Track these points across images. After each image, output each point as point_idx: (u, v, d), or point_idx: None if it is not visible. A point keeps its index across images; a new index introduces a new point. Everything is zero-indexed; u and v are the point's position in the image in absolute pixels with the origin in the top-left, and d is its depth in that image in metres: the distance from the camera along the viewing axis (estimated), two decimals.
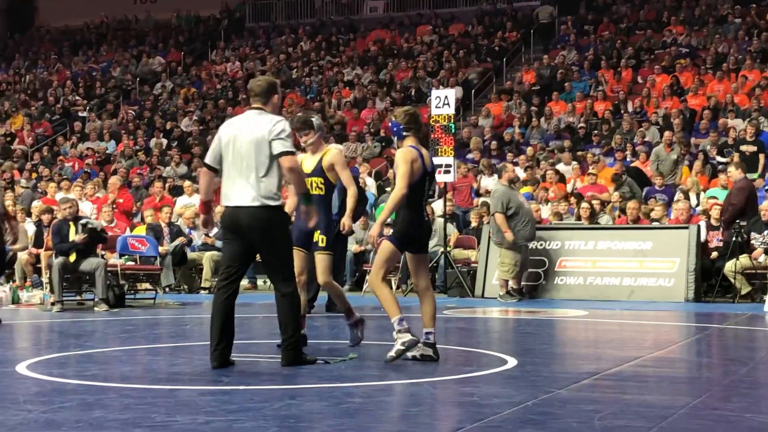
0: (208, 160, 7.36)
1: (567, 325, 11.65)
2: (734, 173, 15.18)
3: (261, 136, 7.14)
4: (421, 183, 7.46)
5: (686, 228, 14.64)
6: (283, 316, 7.28)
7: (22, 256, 15.57)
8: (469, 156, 20.72)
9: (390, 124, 7.81)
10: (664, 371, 7.52)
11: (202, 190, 7.59)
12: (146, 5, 36.09)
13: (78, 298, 14.13)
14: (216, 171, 7.32)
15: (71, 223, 13.28)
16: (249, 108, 7.43)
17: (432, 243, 16.11)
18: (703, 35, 25.22)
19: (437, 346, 7.70)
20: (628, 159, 19.26)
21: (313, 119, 8.49)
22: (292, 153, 7.15)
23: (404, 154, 7.47)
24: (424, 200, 7.55)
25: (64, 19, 35.97)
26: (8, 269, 15.48)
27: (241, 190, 7.16)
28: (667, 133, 19.04)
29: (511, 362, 7.55)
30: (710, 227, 14.95)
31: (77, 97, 29.58)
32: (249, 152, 7.14)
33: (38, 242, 15.24)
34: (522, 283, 14.77)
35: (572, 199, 16.86)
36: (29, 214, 17.38)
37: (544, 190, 17.53)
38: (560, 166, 19.10)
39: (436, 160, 15.55)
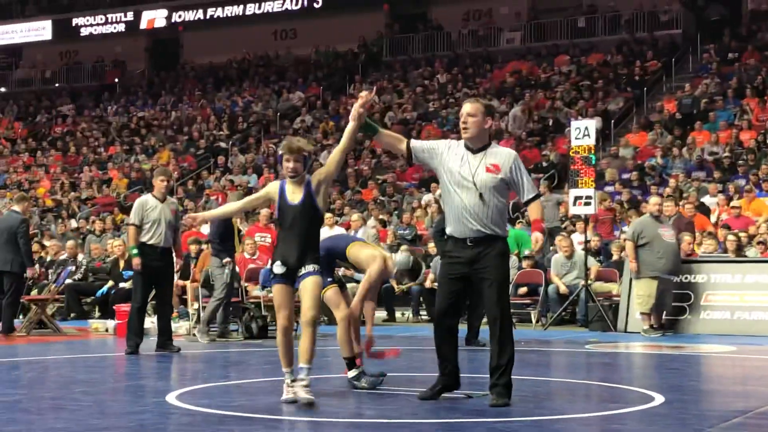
0: None
1: (714, 361, 11.33)
2: None
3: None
4: None
5: None
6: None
7: None
8: (609, 188, 20.43)
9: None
10: None
11: None
12: (286, 41, 36.93)
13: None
14: None
15: None
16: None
17: (572, 276, 15.96)
18: None
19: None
20: None
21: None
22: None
23: None
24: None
25: (207, 56, 37.14)
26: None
27: None
28: None
29: (658, 399, 7.38)
30: None
31: (220, 132, 30.40)
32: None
33: (185, 274, 15.65)
34: (664, 317, 14.43)
35: (719, 232, 16.43)
36: None
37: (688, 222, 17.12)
38: (705, 198, 18.65)
39: (576, 192, 15.43)
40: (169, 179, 11.99)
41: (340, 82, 33.10)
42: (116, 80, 38.73)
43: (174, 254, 11.88)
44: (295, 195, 7.48)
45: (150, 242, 11.43)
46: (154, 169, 28.41)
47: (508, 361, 7.16)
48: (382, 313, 16.85)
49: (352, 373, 8.10)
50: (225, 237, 13.32)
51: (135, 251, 11.40)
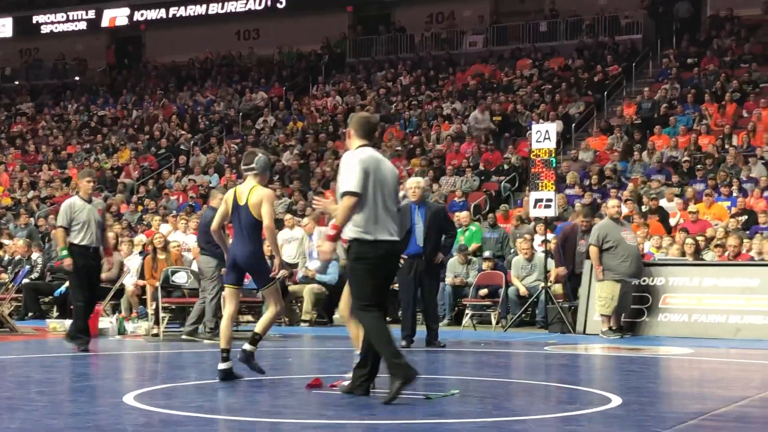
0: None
1: (672, 364, 11.44)
2: None
3: (395, 177, 7.59)
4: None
5: None
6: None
7: (128, 287, 15.95)
8: (569, 191, 20.56)
9: None
10: None
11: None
12: (249, 41, 36.84)
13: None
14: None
15: None
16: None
17: (532, 278, 16.06)
18: None
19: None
20: (733, 195, 18.91)
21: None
22: None
23: None
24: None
25: (169, 55, 36.97)
26: (115, 301, 15.88)
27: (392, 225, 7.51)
28: None
29: (616, 401, 7.44)
30: None
31: (182, 132, 30.26)
32: (393, 192, 7.52)
33: (144, 274, 15.58)
34: (623, 319, 14.55)
35: (677, 236, 16.59)
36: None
37: (645, 225, 17.29)
38: (663, 202, 18.84)
39: (537, 195, 15.53)
40: (95, 180, 12.31)
41: (304, 83, 33.07)
42: (77, 78, 38.43)
43: (103, 253, 12.09)
44: None
45: (82, 243, 11.63)
46: (114, 168, 28.33)
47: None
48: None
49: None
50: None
51: (65, 252, 11.60)
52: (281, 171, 25.78)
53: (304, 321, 16.64)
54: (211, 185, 25.50)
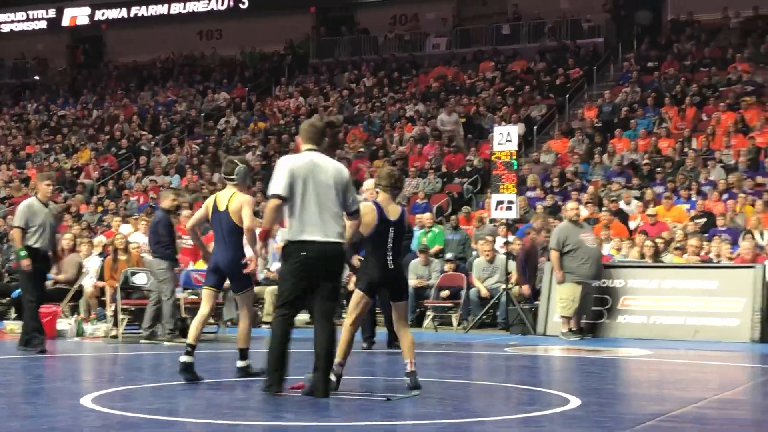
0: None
1: (630, 365, 11.52)
2: None
3: (340, 183, 7.67)
4: (382, 233, 8.01)
5: (752, 267, 14.43)
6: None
7: (87, 289, 15.80)
8: (531, 194, 20.66)
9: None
10: (728, 413, 7.41)
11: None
12: (212, 42, 36.68)
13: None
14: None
15: None
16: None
17: (493, 280, 16.11)
18: None
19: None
20: (692, 198, 19.07)
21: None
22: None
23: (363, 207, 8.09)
24: (387, 249, 8.04)
25: (131, 55, 36.73)
26: (74, 302, 15.74)
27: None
28: None
29: (574, 402, 7.48)
30: None
31: (143, 132, 30.07)
32: (331, 194, 7.63)
33: (103, 275, 15.45)
34: (583, 321, 14.63)
35: (637, 238, 16.71)
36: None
37: (605, 227, 17.40)
38: (623, 204, 18.96)
39: (498, 197, 15.58)
40: (54, 184, 12.34)
41: (266, 84, 32.97)
42: (37, 78, 38.08)
43: (53, 257, 12.01)
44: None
45: (36, 245, 11.57)
46: (74, 168, 28.08)
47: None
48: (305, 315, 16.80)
49: (241, 363, 8.99)
50: (171, 239, 13.26)
51: (24, 253, 11.52)
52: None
53: (265, 323, 16.56)
54: (171, 186, 25.37)
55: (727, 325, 14.16)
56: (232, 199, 8.84)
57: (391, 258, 8.04)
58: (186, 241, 16.70)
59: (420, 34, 33.42)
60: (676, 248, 16.05)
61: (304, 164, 7.63)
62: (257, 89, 32.56)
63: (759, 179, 19.62)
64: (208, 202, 9.10)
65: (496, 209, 15.75)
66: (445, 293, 16.12)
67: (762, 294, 14.06)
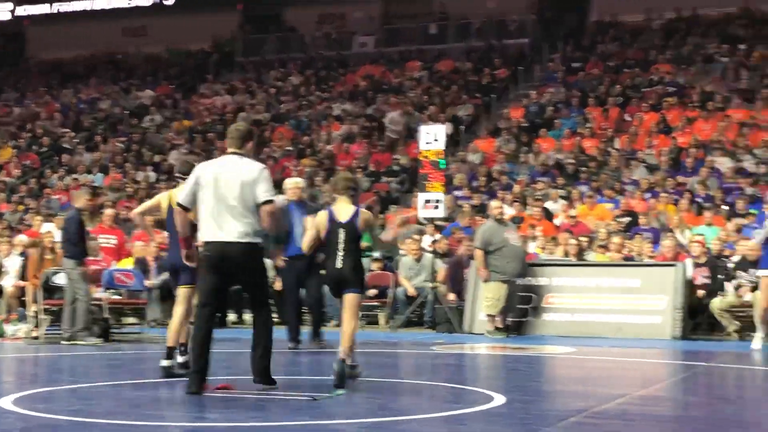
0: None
1: (554, 362, 11.64)
2: None
3: (247, 180, 7.77)
4: (333, 234, 8.57)
5: (673, 265, 14.67)
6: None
7: (7, 289, 15.50)
8: (458, 193, 20.76)
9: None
10: (650, 409, 7.51)
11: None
12: (136, 39, 36.21)
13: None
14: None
15: None
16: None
17: (420, 278, 16.15)
18: (690, 74, 25.38)
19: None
20: (616, 197, 19.34)
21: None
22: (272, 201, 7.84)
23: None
24: (338, 249, 8.55)
25: (53, 52, 36.09)
26: None
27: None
28: None
29: (499, 399, 7.52)
30: (696, 265, 14.98)
31: (65, 130, 29.59)
32: (235, 193, 7.75)
33: (25, 275, 15.16)
34: (509, 319, 14.75)
35: (561, 236, 16.88)
36: None
37: (531, 226, 17.56)
38: (548, 203, 19.15)
39: (426, 196, 15.65)
40: None
41: (192, 82, 32.66)
42: None
43: None
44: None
45: None
46: None
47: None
48: (231, 316, 16.72)
49: (166, 362, 8.93)
50: (80, 238, 13.03)
51: None
52: (169, 170, 25.40)
53: (190, 323, 16.38)
54: (95, 185, 25.01)
55: (649, 323, 14.38)
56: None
57: (341, 257, 8.48)
58: (108, 240, 16.50)
59: (347, 33, 33.39)
60: (600, 246, 16.26)
61: (211, 169, 7.90)
62: (183, 87, 32.25)
63: (680, 179, 19.96)
64: (162, 200, 9.29)
65: (423, 208, 15.81)
66: (372, 292, 16.12)
67: (683, 292, 14.31)
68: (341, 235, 8.53)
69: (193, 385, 7.68)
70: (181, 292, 9.15)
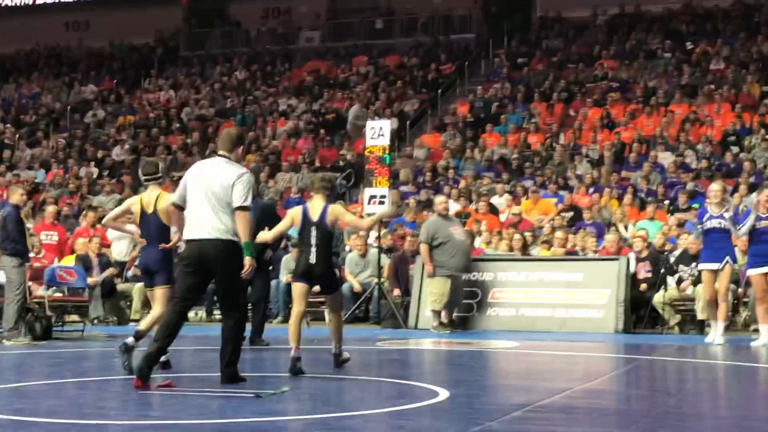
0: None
1: (499, 357, 11.70)
2: None
3: (226, 183, 8.03)
4: (305, 231, 9.11)
5: (616, 260, 14.81)
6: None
7: None
8: (403, 188, 20.79)
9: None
10: (593, 403, 7.58)
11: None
12: (79, 33, 35.80)
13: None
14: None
15: None
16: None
17: (366, 274, 16.15)
18: (633, 69, 25.65)
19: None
20: (560, 192, 19.48)
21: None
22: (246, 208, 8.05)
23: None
24: (311, 245, 9.08)
25: None
26: None
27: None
28: None
29: (443, 394, 7.54)
30: (639, 259, 15.14)
31: (6, 125, 29.15)
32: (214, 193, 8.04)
33: None
34: (454, 314, 14.80)
35: (506, 231, 16.97)
36: None
37: (476, 222, 17.63)
38: (493, 199, 19.24)
39: (371, 191, 15.65)
40: None
41: (135, 77, 32.35)
42: None
43: None
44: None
45: None
46: None
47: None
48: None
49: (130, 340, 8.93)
50: (20, 234, 12.85)
51: None
52: (112, 166, 25.16)
53: (134, 320, 16.27)
54: (36, 180, 24.70)
55: (592, 317, 14.51)
56: (159, 200, 9.31)
57: (314, 252, 9.03)
58: (50, 237, 16.29)
59: (293, 28, 33.28)
60: (544, 241, 16.37)
61: (198, 171, 8.21)
62: (126, 82, 31.93)
63: (624, 173, 20.17)
64: (133, 205, 9.57)
65: (368, 203, 15.80)
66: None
67: (625, 285, 14.45)
68: (313, 232, 9.03)
69: (141, 375, 7.79)
70: (159, 292, 9.28)
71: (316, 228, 9.02)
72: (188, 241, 8.12)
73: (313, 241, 9.01)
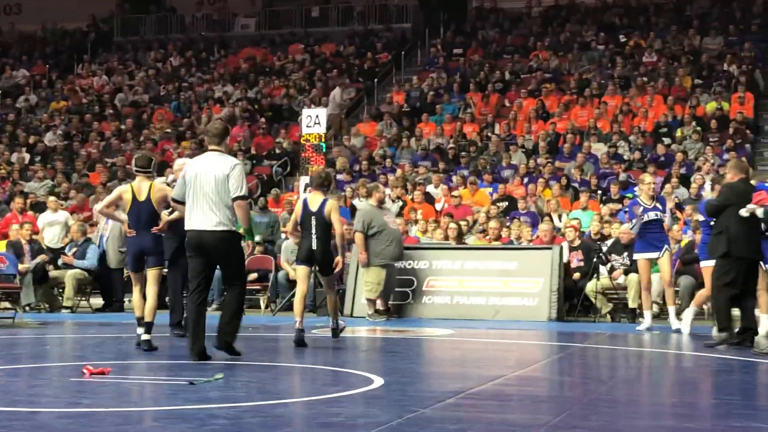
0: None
1: (433, 345, 11.76)
2: None
3: (220, 176, 8.76)
4: (306, 220, 10.45)
5: (549, 249, 14.96)
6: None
7: None
8: (340, 177, 20.78)
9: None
10: (526, 390, 7.66)
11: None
12: (10, 16, 35.16)
13: None
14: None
15: None
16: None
17: None
18: (567, 61, 25.90)
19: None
20: (495, 181, 19.62)
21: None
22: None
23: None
24: (312, 233, 10.38)
25: None
26: None
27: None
28: None
29: (378, 382, 7.57)
30: (571, 248, 15.31)
31: None
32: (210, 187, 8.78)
33: None
34: (390, 302, 14.85)
35: (441, 220, 17.06)
36: None
37: (413, 210, 17.70)
38: (429, 188, 19.32)
39: (307, 180, 15.62)
40: None
41: (68, 61, 31.86)
42: None
43: None
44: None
45: None
46: None
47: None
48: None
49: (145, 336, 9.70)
50: None
51: None
52: (44, 152, 24.79)
53: (66, 308, 16.08)
54: None
55: (525, 305, 14.65)
56: (152, 190, 10.03)
57: (315, 238, 10.30)
58: None
59: (228, 15, 33.04)
60: (479, 231, 16.48)
61: (194, 166, 8.92)
62: (59, 66, 31.44)
63: (558, 164, 20.37)
64: (124, 193, 10.14)
65: (305, 191, 15.76)
66: (253, 276, 16.03)
67: (558, 274, 14.61)
68: (313, 221, 10.34)
69: (192, 351, 8.73)
70: (152, 273, 9.98)
71: (314, 218, 10.31)
72: (189, 231, 8.83)
73: (314, 230, 10.31)
